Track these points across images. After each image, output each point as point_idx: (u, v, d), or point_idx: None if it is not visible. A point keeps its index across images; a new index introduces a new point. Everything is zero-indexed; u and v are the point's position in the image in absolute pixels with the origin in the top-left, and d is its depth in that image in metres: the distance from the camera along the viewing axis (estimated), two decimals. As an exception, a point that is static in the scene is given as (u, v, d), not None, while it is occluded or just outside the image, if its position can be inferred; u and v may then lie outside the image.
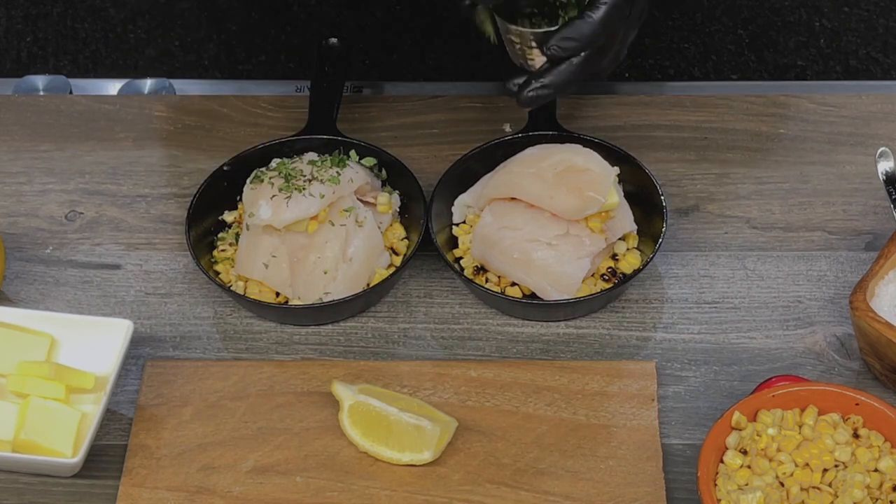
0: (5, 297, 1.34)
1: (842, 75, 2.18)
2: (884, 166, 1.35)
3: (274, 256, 1.29)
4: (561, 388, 1.26)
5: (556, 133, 1.37)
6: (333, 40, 1.46)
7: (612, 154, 1.35)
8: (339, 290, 1.29)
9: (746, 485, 1.14)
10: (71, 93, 1.59)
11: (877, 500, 1.13)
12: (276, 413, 1.25)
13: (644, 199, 1.35)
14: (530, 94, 1.22)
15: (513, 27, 1.22)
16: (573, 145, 1.33)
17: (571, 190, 1.28)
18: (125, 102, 1.53)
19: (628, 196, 1.35)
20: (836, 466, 1.15)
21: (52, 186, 1.44)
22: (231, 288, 1.31)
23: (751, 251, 1.36)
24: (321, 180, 1.29)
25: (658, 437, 1.22)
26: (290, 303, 1.31)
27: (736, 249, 1.36)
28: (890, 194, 1.33)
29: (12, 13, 2.28)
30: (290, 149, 1.37)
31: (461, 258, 1.34)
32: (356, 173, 1.33)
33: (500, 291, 1.31)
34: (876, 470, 1.14)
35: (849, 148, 1.45)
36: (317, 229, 1.29)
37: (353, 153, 1.37)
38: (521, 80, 1.23)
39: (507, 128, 1.47)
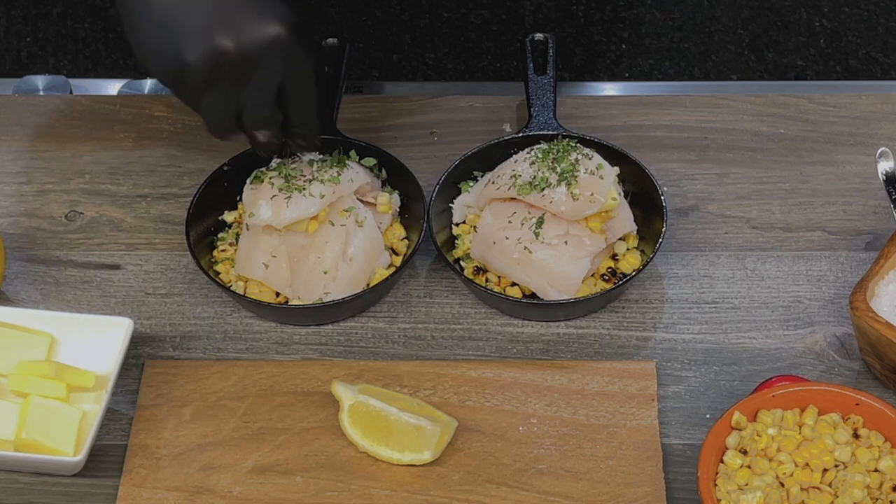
0: (5, 297, 1.34)
1: (842, 75, 2.18)
2: (884, 166, 1.35)
3: (274, 256, 1.29)
4: (561, 388, 1.26)
5: (556, 133, 1.37)
6: (333, 40, 1.46)
7: (612, 154, 1.35)
8: (339, 290, 1.29)
9: (746, 485, 1.14)
10: (71, 93, 1.59)
11: (877, 500, 1.13)
12: (276, 413, 1.25)
13: (644, 199, 1.35)
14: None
15: None
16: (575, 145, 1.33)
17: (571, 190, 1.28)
18: (125, 102, 1.53)
19: (628, 196, 1.35)
20: (836, 466, 1.15)
21: (52, 186, 1.44)
22: (231, 288, 1.31)
23: (751, 251, 1.36)
24: (321, 180, 1.29)
25: (658, 437, 1.22)
26: (290, 303, 1.31)
27: (736, 249, 1.37)
28: (890, 194, 1.33)
29: (12, 13, 2.29)
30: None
31: (461, 258, 1.34)
32: (356, 173, 1.33)
33: (500, 291, 1.31)
34: (876, 470, 1.14)
35: (849, 148, 1.45)
36: (317, 229, 1.29)
37: (353, 153, 1.37)
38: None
39: (507, 128, 1.47)
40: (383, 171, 1.38)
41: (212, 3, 1.12)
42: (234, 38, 1.12)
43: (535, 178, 1.29)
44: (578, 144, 1.33)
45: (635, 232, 1.34)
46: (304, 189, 1.28)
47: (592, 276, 1.31)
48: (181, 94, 1.17)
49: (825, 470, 1.14)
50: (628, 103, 1.50)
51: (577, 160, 1.30)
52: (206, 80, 1.14)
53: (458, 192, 1.37)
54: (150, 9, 1.12)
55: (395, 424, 1.20)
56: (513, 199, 1.31)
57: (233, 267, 1.33)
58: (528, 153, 1.32)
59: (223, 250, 1.35)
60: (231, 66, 1.13)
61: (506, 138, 1.39)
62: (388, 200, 1.35)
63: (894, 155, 1.36)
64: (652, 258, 1.30)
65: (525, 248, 1.28)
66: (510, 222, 1.30)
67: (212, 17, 1.12)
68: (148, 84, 1.60)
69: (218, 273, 1.33)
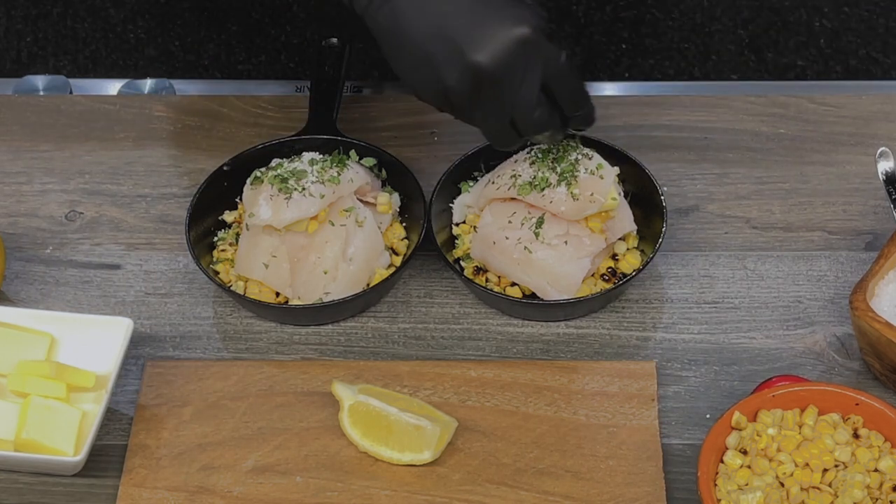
0: (5, 297, 1.34)
1: (842, 75, 2.18)
2: (884, 166, 1.35)
3: (274, 256, 1.29)
4: (561, 388, 1.26)
5: (556, 133, 1.37)
6: (333, 40, 1.46)
7: (612, 154, 1.35)
8: (339, 290, 1.29)
9: (746, 485, 1.14)
10: (71, 93, 1.59)
11: (877, 500, 1.13)
12: (276, 413, 1.25)
13: (644, 199, 1.35)
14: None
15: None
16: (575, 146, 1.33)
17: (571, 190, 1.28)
18: (125, 102, 1.53)
19: (628, 196, 1.35)
20: (836, 466, 1.15)
21: (52, 186, 1.44)
22: (231, 288, 1.31)
23: (751, 251, 1.36)
24: (321, 180, 1.29)
25: (658, 437, 1.22)
26: (290, 303, 1.31)
27: (736, 249, 1.37)
28: (890, 194, 1.34)
29: (12, 13, 2.28)
30: (290, 149, 1.37)
31: (461, 258, 1.34)
32: (356, 173, 1.33)
33: (500, 291, 1.30)
34: (876, 470, 1.14)
35: (849, 148, 1.45)
36: (317, 229, 1.29)
37: (353, 153, 1.37)
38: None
39: (507, 128, 1.47)
40: (383, 171, 1.38)
41: (460, 25, 1.15)
42: (485, 53, 1.15)
43: (535, 178, 1.29)
44: (578, 144, 1.33)
45: (635, 232, 1.34)
46: (304, 189, 1.28)
47: (592, 276, 1.31)
48: (456, 114, 1.21)
49: (825, 470, 1.14)
50: (628, 103, 1.50)
51: (577, 160, 1.30)
52: (472, 98, 1.17)
53: (458, 192, 1.37)
54: (407, 43, 1.17)
55: (395, 424, 1.20)
56: (513, 199, 1.31)
57: (233, 267, 1.33)
58: (528, 153, 1.32)
59: (223, 250, 1.35)
60: (490, 79, 1.16)
61: (506, 138, 1.39)
62: (388, 200, 1.35)
63: (894, 155, 1.36)
64: (652, 258, 1.30)
65: (525, 248, 1.28)
66: (510, 222, 1.30)
67: (463, 38, 1.15)
68: (148, 84, 1.60)
69: (218, 273, 1.33)
